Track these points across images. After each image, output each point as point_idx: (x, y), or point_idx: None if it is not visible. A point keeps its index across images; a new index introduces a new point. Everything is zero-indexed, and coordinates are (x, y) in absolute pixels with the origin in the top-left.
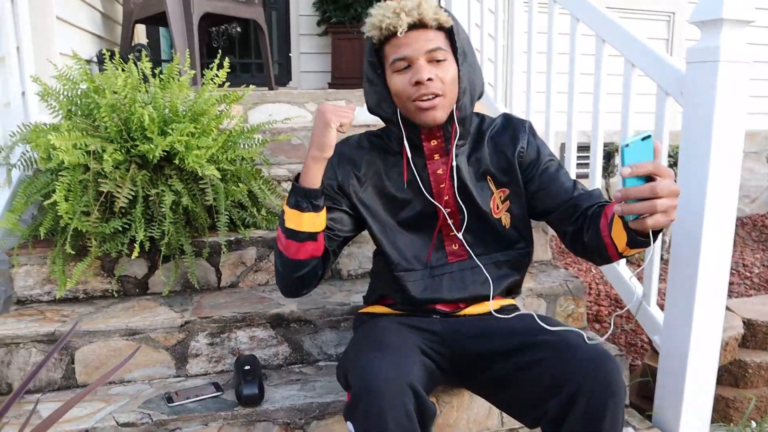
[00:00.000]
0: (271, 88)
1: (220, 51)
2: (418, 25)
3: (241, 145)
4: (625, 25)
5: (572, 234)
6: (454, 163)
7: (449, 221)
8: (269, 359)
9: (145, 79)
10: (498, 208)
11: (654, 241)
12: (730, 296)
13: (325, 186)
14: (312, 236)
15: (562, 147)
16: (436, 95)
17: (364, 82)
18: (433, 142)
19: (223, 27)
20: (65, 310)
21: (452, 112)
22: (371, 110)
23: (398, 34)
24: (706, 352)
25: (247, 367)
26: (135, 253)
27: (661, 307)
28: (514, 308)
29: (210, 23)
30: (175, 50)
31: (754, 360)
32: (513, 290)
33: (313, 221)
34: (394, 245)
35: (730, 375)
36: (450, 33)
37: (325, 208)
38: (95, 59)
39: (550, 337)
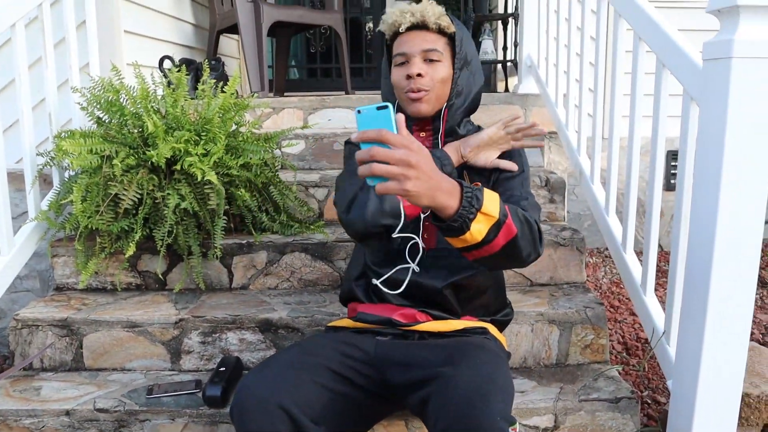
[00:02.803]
0: (347, 93)
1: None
2: (420, 26)
3: (261, 152)
4: (656, 17)
5: None
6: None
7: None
8: (258, 363)
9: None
10: None
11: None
12: None
13: None
14: None
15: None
16: (424, 90)
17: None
18: (422, 134)
19: (324, 31)
20: (88, 299)
21: (442, 109)
22: (384, 100)
23: (400, 30)
24: (718, 408)
25: (222, 368)
26: (130, 251)
27: None
28: (483, 331)
29: (294, 30)
30: (244, 58)
31: None
32: (487, 309)
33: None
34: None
35: None
36: (452, 40)
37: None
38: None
39: (447, 370)
